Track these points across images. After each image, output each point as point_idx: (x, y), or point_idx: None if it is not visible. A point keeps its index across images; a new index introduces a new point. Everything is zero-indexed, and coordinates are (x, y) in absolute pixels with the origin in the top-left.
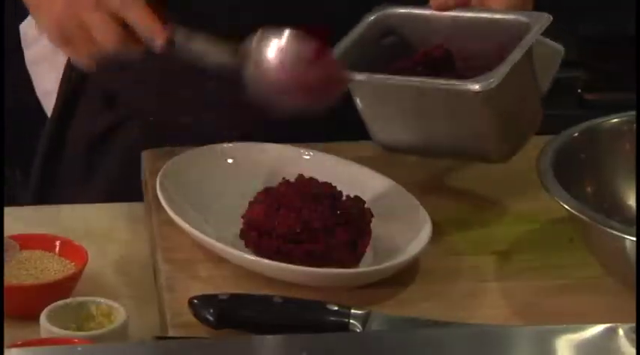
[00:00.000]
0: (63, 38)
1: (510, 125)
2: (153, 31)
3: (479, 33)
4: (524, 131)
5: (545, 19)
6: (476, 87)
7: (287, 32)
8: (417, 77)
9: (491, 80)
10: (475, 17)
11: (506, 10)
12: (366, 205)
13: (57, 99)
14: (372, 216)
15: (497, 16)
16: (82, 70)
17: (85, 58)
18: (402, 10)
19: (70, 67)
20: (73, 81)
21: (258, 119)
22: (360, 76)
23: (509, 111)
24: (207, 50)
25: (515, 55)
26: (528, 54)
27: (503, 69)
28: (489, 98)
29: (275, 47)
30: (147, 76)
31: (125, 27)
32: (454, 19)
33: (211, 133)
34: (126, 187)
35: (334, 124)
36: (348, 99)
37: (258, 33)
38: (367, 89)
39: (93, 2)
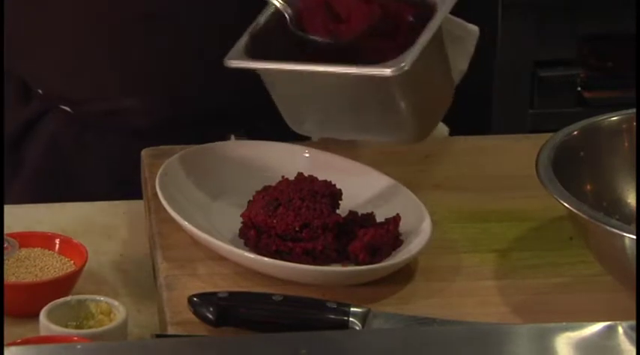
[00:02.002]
0: None
1: (423, 105)
2: None
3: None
4: (437, 110)
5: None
6: (387, 71)
7: None
8: (328, 65)
9: (403, 64)
10: None
11: None
12: (366, 203)
13: None
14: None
15: None
16: None
17: None
18: None
19: None
20: None
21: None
22: (271, 65)
23: (421, 92)
24: None
25: (425, 37)
26: (437, 34)
27: (414, 52)
28: (401, 81)
29: None
30: (55, 58)
31: None
32: None
33: (136, 119)
34: (52, 183)
35: None
36: None
37: None
38: (278, 77)
39: None
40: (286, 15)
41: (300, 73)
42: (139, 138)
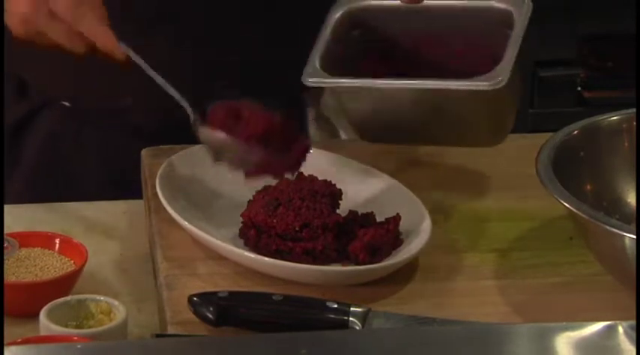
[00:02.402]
0: (29, 37)
1: (503, 114)
2: (109, 48)
3: (452, 21)
4: (513, 115)
5: (526, 4)
6: (486, 85)
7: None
8: (422, 80)
9: (500, 78)
10: (446, 5)
11: None
12: (366, 203)
13: None
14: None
15: (470, 3)
16: None
17: (63, 42)
18: (369, 3)
19: None
20: None
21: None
22: (360, 82)
23: (504, 103)
24: (160, 81)
25: (514, 50)
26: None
27: (508, 65)
28: (490, 93)
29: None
30: (61, 63)
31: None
32: (426, 8)
33: (136, 118)
34: (52, 181)
35: None
36: None
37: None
38: (356, 93)
39: (47, 13)
40: (190, 116)
41: (381, 88)
42: (139, 138)
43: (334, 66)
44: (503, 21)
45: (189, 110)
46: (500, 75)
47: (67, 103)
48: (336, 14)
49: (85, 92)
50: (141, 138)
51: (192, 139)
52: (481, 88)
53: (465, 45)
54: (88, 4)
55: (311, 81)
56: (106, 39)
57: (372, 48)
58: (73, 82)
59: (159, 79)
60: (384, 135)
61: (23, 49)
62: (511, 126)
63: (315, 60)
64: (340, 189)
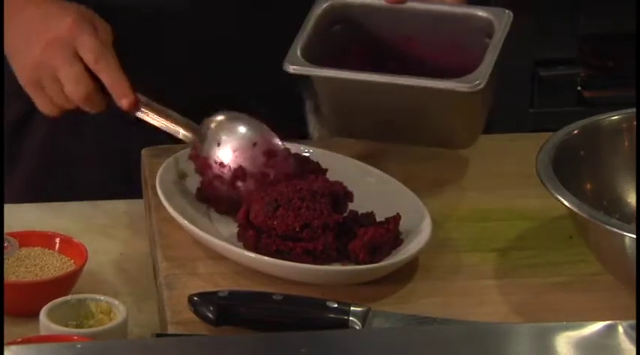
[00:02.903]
0: (35, 85)
1: (477, 117)
2: (122, 96)
3: (434, 24)
4: (484, 115)
5: (507, 14)
6: (466, 87)
7: (245, 123)
8: (403, 76)
9: (478, 81)
10: (429, 8)
11: (462, 5)
12: (366, 203)
13: None
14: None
15: (453, 9)
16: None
17: (50, 107)
18: (350, 1)
19: None
20: None
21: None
22: (344, 74)
23: (480, 105)
24: (166, 125)
25: (493, 55)
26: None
27: (487, 68)
28: (468, 95)
29: (231, 136)
30: None
31: (96, 79)
32: (409, 10)
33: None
34: (52, 181)
35: None
36: None
37: (218, 117)
38: (336, 84)
39: (70, 55)
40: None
41: (362, 81)
42: (139, 137)
43: (314, 58)
44: (483, 29)
45: (203, 149)
46: (479, 78)
47: None
48: (320, 8)
49: None
50: (141, 138)
51: None
52: (460, 89)
53: (444, 48)
54: (110, 51)
55: (292, 68)
56: (122, 84)
57: (351, 44)
58: None
59: (170, 127)
60: (360, 131)
61: None
62: (482, 129)
63: (297, 49)
64: (351, 192)
